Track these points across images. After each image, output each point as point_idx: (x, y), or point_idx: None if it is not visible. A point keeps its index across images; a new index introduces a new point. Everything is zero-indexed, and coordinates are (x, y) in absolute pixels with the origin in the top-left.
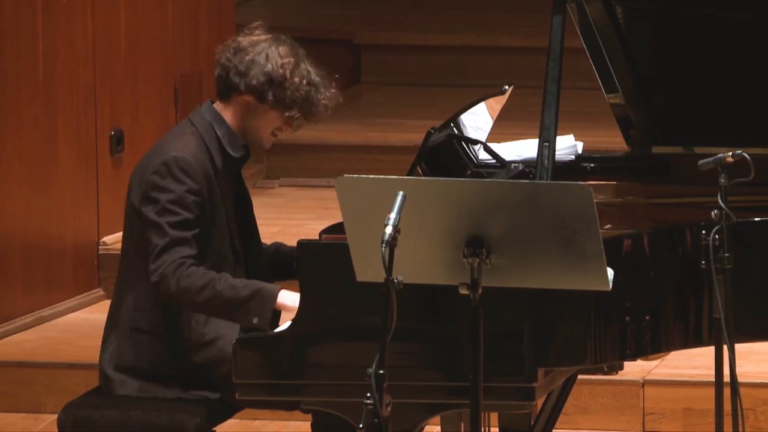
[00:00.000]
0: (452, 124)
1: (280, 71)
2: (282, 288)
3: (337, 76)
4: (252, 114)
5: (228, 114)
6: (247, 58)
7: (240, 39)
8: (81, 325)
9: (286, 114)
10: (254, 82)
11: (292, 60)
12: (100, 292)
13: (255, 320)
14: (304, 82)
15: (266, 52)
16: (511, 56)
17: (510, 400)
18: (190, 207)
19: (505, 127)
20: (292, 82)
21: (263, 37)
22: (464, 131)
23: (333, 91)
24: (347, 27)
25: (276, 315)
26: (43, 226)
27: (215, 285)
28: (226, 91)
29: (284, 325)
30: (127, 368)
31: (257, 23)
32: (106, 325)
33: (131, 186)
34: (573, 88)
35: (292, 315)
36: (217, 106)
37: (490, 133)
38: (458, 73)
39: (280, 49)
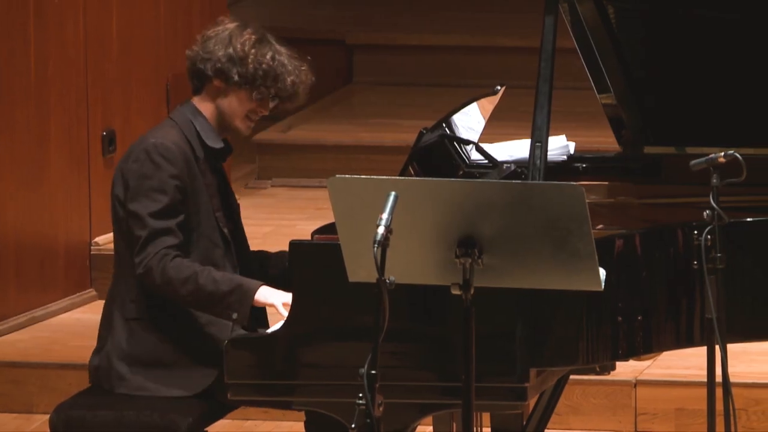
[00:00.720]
0: (444, 125)
1: (240, 47)
2: (263, 284)
3: (309, 57)
4: (222, 97)
5: (204, 107)
6: (210, 43)
7: (206, 31)
8: (73, 325)
9: (255, 94)
10: (218, 64)
11: (254, 37)
12: (92, 292)
13: (234, 315)
14: (268, 56)
15: (229, 35)
16: (505, 56)
17: (502, 400)
18: (171, 192)
19: (497, 127)
20: (254, 58)
21: (229, 25)
22: (456, 131)
23: (303, 68)
24: (340, 27)
25: (263, 311)
26: (36, 226)
27: (198, 278)
28: (197, 83)
29: (277, 325)
30: (127, 357)
31: (222, 17)
32: (101, 322)
33: (114, 179)
34: (565, 88)
35: (281, 314)
36: (195, 101)
37: (482, 134)
38: (452, 73)
39: (244, 31)
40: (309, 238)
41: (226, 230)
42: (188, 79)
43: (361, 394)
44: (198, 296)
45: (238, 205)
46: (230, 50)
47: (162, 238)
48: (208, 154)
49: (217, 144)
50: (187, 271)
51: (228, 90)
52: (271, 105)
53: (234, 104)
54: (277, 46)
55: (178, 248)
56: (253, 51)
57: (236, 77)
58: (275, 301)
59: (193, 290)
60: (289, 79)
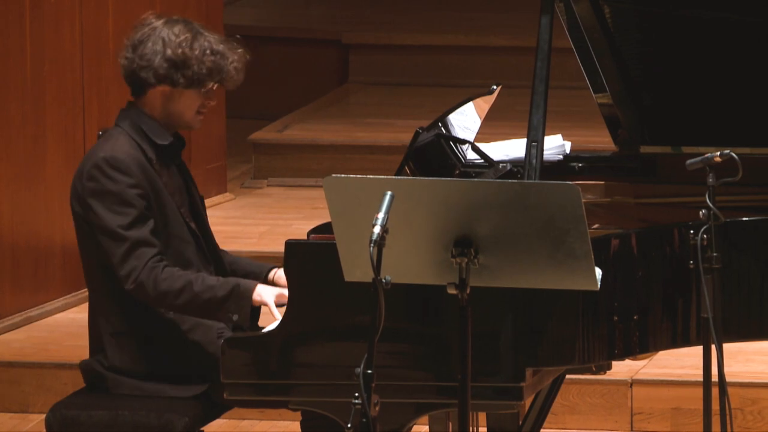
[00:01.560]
0: (440, 124)
1: (180, 51)
2: (258, 284)
3: (238, 36)
4: (170, 101)
5: (149, 107)
6: (145, 50)
7: (133, 34)
8: (69, 325)
9: (203, 90)
10: (161, 71)
11: (188, 36)
12: (87, 292)
13: (235, 317)
14: (207, 52)
15: (161, 38)
16: (501, 56)
17: (498, 400)
18: (134, 203)
19: (493, 126)
20: (195, 58)
21: (155, 24)
22: (452, 131)
23: (239, 51)
24: (335, 27)
25: (256, 310)
26: (31, 225)
27: (193, 287)
28: (139, 88)
29: (272, 324)
30: (118, 370)
31: (146, 14)
32: (89, 333)
33: (71, 194)
34: (561, 87)
35: (276, 314)
36: (139, 103)
37: (478, 133)
38: (447, 73)
39: (174, 29)
40: (305, 237)
41: (193, 225)
42: (126, 83)
43: (357, 394)
44: (195, 304)
45: (202, 197)
46: (169, 54)
47: (143, 249)
48: (160, 153)
49: (166, 140)
50: (180, 281)
51: (174, 92)
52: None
53: (183, 104)
54: (209, 36)
55: (161, 256)
56: (192, 51)
57: (182, 80)
58: (269, 300)
59: (189, 299)
60: (231, 67)
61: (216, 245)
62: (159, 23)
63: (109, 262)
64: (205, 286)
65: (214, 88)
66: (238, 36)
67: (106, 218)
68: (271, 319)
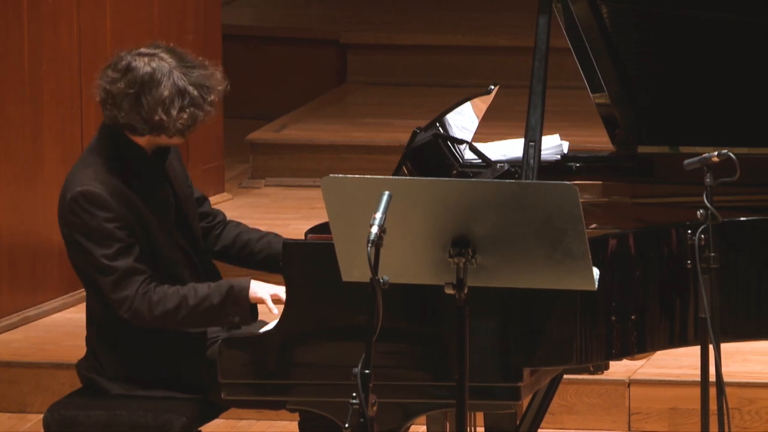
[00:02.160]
0: (438, 124)
1: (157, 119)
2: (251, 279)
3: (216, 67)
4: (152, 141)
5: (127, 131)
6: (123, 106)
7: (111, 77)
8: (66, 325)
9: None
10: (144, 132)
11: (165, 92)
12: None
13: (236, 320)
14: (186, 108)
15: (136, 93)
16: (498, 56)
17: (496, 400)
18: (115, 235)
19: (490, 126)
20: (173, 121)
21: (132, 74)
22: (450, 131)
23: (217, 78)
24: (333, 27)
25: (255, 305)
26: (29, 225)
27: (188, 301)
28: (113, 121)
29: (270, 324)
30: (113, 378)
31: (119, 51)
32: (87, 337)
33: (58, 217)
34: (559, 87)
35: (270, 309)
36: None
37: (475, 133)
38: (445, 73)
39: (154, 91)
40: (303, 237)
41: (183, 242)
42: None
43: (354, 394)
44: (195, 318)
45: (191, 194)
46: (145, 115)
47: (132, 277)
48: (140, 169)
49: (145, 161)
50: (174, 300)
51: (150, 133)
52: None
53: (167, 140)
54: (189, 75)
55: (149, 279)
56: (170, 114)
57: (164, 136)
58: (264, 295)
59: (187, 314)
60: (207, 103)
61: (209, 257)
62: (136, 72)
63: (99, 292)
64: (199, 298)
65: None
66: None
67: (91, 251)
68: (270, 317)
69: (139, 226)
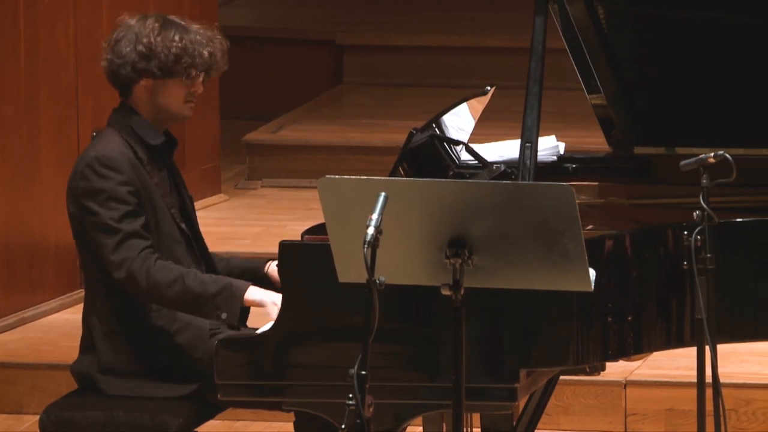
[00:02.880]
0: (434, 125)
1: (146, 41)
2: (251, 284)
3: (216, 24)
4: (155, 94)
5: (138, 106)
6: (120, 47)
7: (110, 36)
8: (63, 325)
9: (184, 78)
10: (137, 65)
11: (156, 25)
12: (82, 293)
13: (223, 315)
14: (176, 38)
15: (134, 33)
16: (495, 57)
17: (492, 401)
18: (126, 199)
19: (487, 127)
20: (163, 46)
21: (131, 21)
22: (446, 132)
23: (217, 37)
24: (330, 28)
25: (245, 311)
26: (25, 226)
27: (185, 280)
28: (124, 87)
29: (266, 325)
30: (109, 370)
31: (122, 15)
32: (82, 333)
33: (67, 197)
34: (555, 88)
35: (270, 316)
36: (129, 102)
37: (472, 134)
38: (441, 73)
39: (146, 23)
40: (299, 238)
41: (183, 225)
42: (112, 85)
43: (351, 395)
44: (185, 298)
45: (191, 197)
46: (140, 47)
47: (135, 240)
48: (152, 152)
49: (157, 140)
50: (173, 274)
51: (156, 84)
52: (202, 80)
53: (168, 95)
54: (184, 25)
55: (152, 249)
56: (159, 39)
57: (156, 71)
58: (266, 300)
59: (180, 292)
60: (205, 52)
61: (206, 247)
62: (133, 21)
63: (100, 256)
64: (197, 281)
65: (196, 75)
66: (216, 23)
67: (99, 213)
68: (263, 320)
69: (146, 200)
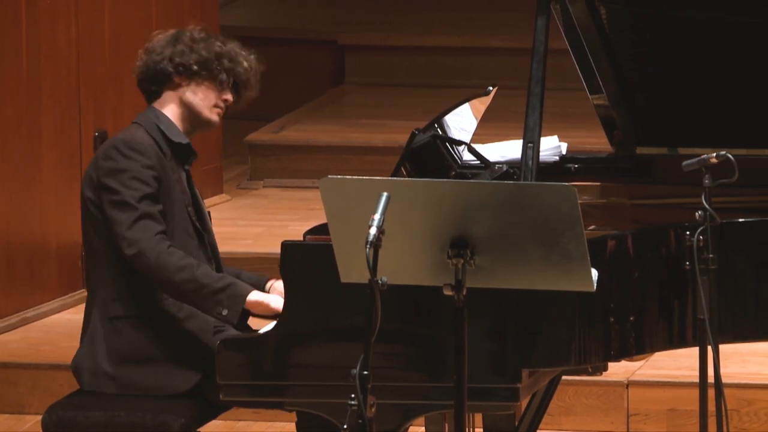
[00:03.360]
0: (436, 125)
1: (188, 40)
2: (255, 290)
3: (253, 50)
4: (186, 93)
5: (167, 108)
6: (158, 46)
7: (146, 44)
8: (65, 326)
9: (216, 81)
10: (175, 59)
11: (198, 28)
12: (83, 293)
13: (224, 312)
14: (217, 44)
15: (173, 36)
16: (497, 57)
17: (494, 401)
18: (148, 181)
19: (489, 128)
20: (205, 45)
21: (170, 30)
22: (448, 132)
23: (253, 56)
24: (331, 28)
25: (245, 315)
26: (27, 226)
27: (194, 269)
28: (155, 87)
29: (268, 326)
30: (114, 354)
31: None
32: (83, 324)
33: (84, 183)
34: (557, 89)
35: (276, 306)
36: (156, 105)
37: (474, 134)
38: (443, 74)
39: (187, 29)
40: (301, 238)
41: (198, 224)
42: (142, 90)
43: (353, 395)
44: (190, 286)
45: (204, 207)
46: (180, 46)
47: (150, 222)
48: (175, 152)
49: (183, 139)
50: (184, 261)
51: (190, 83)
52: (232, 98)
53: (199, 95)
54: (223, 38)
55: (166, 235)
56: (202, 36)
57: (195, 66)
58: (265, 306)
59: (187, 279)
60: (244, 63)
61: (217, 248)
62: (172, 30)
63: (114, 231)
64: (205, 273)
65: (230, 83)
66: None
67: (120, 192)
68: (264, 322)
69: (166, 190)
